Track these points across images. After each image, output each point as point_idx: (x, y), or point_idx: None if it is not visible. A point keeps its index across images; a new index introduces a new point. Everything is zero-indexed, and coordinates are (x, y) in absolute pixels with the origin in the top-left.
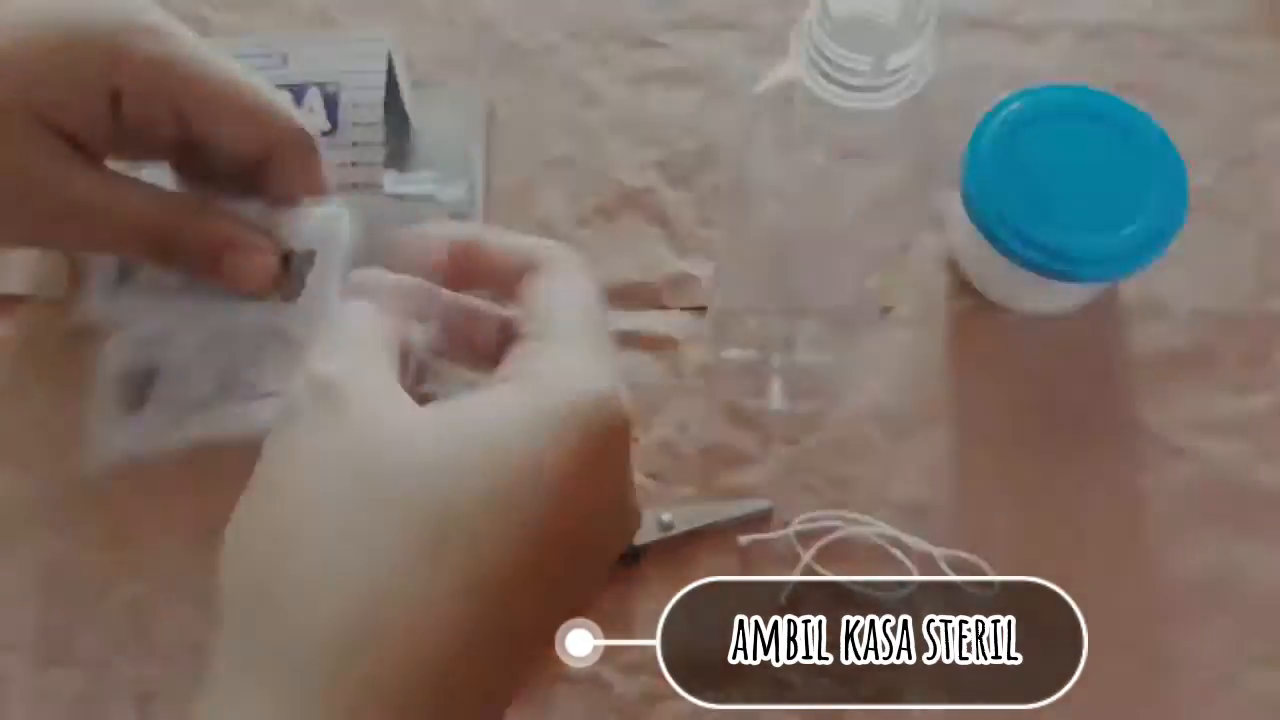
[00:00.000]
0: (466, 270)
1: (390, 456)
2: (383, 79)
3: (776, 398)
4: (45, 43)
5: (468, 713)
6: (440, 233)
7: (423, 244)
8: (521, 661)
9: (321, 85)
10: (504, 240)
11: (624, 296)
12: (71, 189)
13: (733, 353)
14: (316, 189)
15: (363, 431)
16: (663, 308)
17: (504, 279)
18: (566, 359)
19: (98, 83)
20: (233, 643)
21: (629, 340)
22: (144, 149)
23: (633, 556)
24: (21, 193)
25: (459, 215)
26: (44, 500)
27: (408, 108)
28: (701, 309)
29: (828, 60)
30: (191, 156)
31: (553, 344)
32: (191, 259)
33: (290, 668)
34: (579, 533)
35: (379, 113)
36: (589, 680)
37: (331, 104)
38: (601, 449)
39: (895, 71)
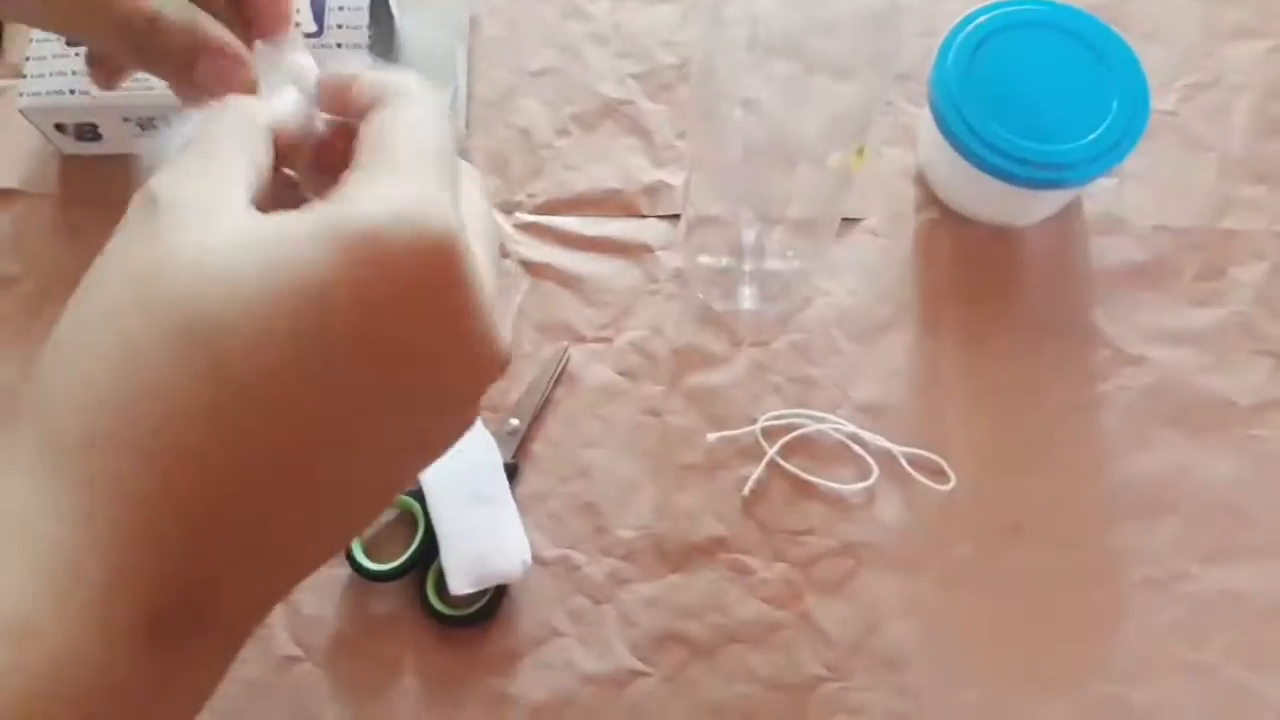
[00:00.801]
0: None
1: (169, 266)
2: None
3: (746, 301)
4: None
5: (223, 505)
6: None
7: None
8: (308, 485)
9: None
10: (364, 76)
11: (602, 204)
12: None
13: (705, 258)
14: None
15: (158, 245)
16: (639, 215)
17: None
18: (380, 182)
19: None
20: (13, 429)
21: (606, 246)
22: None
23: None
24: None
25: None
26: None
27: (395, 14)
28: (676, 216)
29: None
30: None
31: (373, 169)
32: (171, 55)
33: (45, 444)
34: (386, 356)
35: (364, 16)
36: (558, 562)
37: (318, 6)
38: (413, 269)
39: None
